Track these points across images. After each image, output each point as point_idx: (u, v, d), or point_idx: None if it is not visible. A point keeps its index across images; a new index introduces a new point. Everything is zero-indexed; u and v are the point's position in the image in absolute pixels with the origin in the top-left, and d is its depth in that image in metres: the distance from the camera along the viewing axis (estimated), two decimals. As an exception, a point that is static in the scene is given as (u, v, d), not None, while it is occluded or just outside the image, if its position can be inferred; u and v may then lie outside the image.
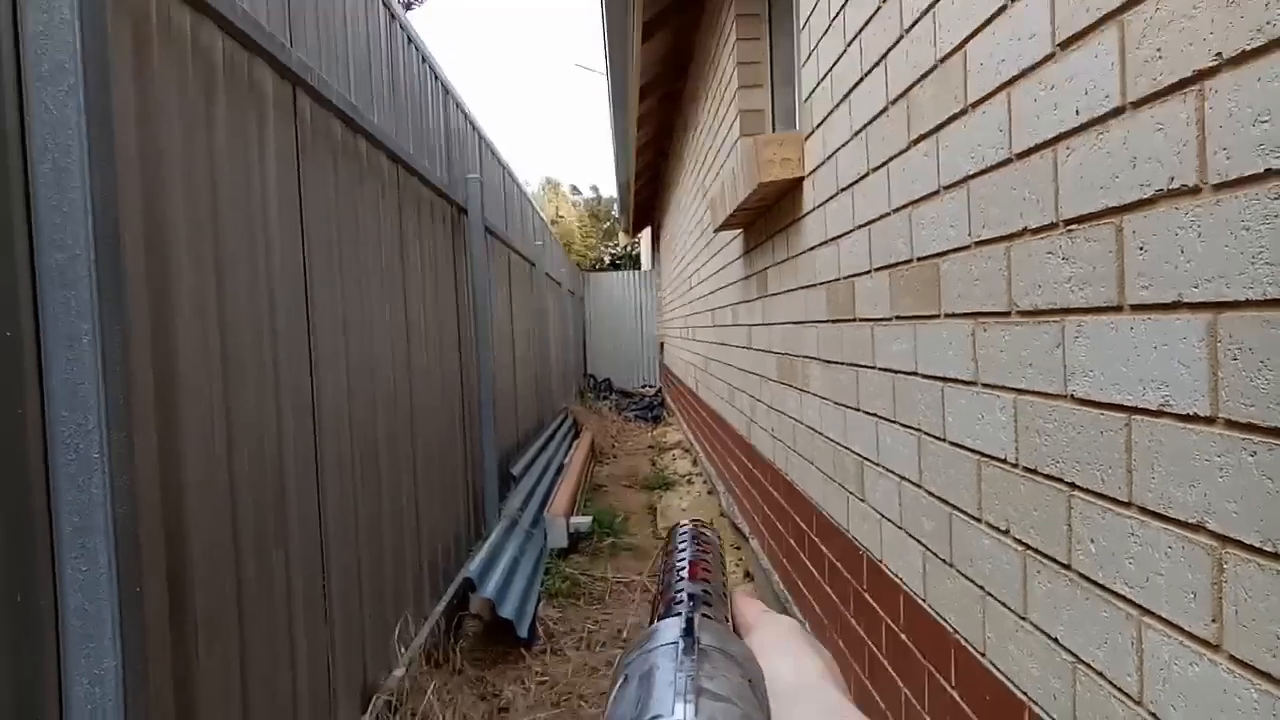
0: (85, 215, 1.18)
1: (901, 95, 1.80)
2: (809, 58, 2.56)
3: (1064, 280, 1.20)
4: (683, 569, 0.48)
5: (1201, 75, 0.91)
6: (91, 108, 1.19)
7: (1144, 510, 1.04)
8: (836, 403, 2.44)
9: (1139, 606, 1.05)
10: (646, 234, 16.86)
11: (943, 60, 1.57)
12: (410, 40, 3.48)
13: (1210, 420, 0.92)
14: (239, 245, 1.85)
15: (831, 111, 2.34)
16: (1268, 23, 0.82)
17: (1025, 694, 1.35)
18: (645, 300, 15.22)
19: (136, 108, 1.48)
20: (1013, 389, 1.36)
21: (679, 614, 0.42)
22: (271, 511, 1.95)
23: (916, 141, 1.73)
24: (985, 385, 1.46)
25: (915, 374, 1.79)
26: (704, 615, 0.40)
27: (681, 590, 0.45)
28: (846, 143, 2.21)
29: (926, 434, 1.74)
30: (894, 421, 1.94)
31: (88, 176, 1.19)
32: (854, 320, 2.22)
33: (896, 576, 1.97)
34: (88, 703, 1.19)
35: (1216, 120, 0.90)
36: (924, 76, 1.67)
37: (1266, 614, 0.84)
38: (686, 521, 0.56)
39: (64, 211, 1.18)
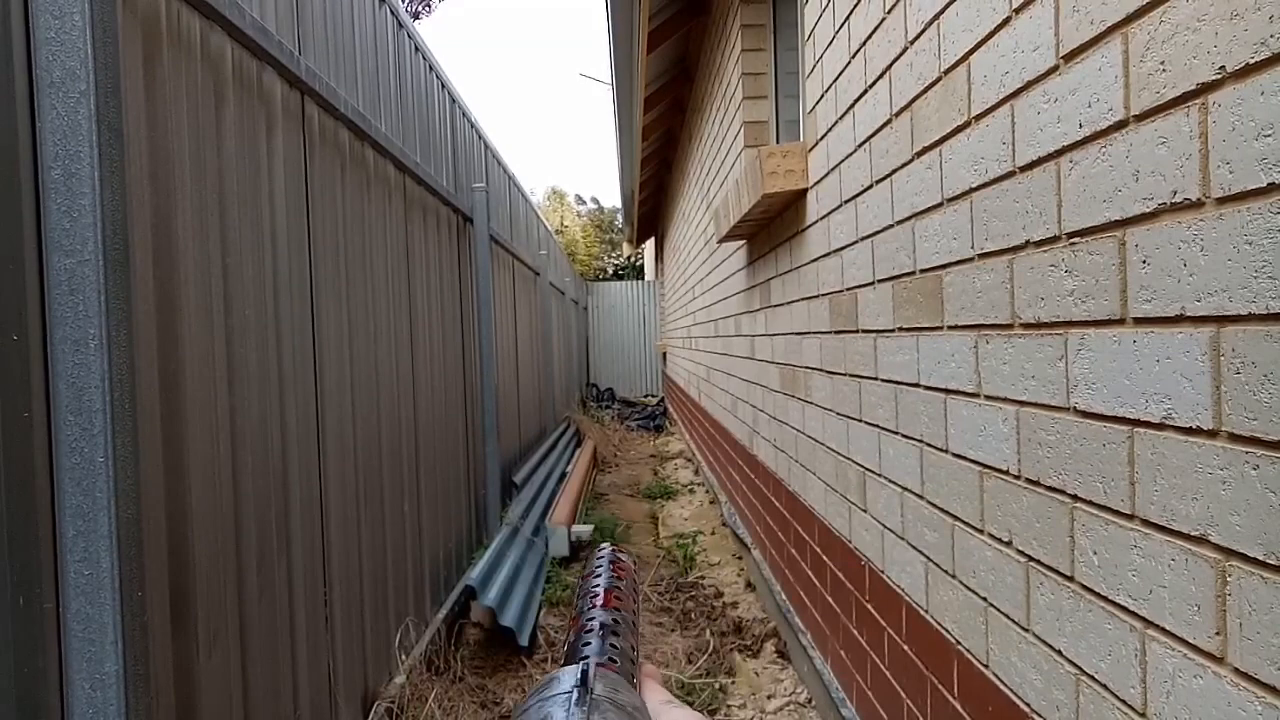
0: (94, 221, 1.19)
1: (905, 107, 1.80)
2: (813, 69, 2.57)
3: (1067, 293, 1.20)
4: (596, 596, 0.50)
5: (1205, 89, 0.92)
6: (102, 114, 1.20)
7: (1147, 523, 1.03)
8: (839, 413, 2.44)
9: (1142, 619, 1.05)
10: (650, 244, 16.90)
11: (946, 72, 1.58)
12: (417, 49, 3.51)
13: (1213, 434, 0.92)
14: (246, 252, 1.86)
15: (835, 123, 2.35)
16: (1271, 36, 0.83)
17: (1028, 705, 1.35)
18: (648, 310, 15.24)
19: (146, 114, 1.50)
20: (1015, 401, 1.36)
21: (586, 649, 0.43)
22: (274, 516, 1.96)
23: (920, 154, 1.73)
24: (988, 397, 1.47)
25: (918, 385, 1.79)
26: (601, 664, 0.41)
27: (593, 619, 0.47)
28: (850, 154, 2.22)
29: (929, 445, 1.74)
30: (896, 433, 1.94)
31: (97, 183, 1.20)
32: (857, 331, 2.22)
33: (898, 587, 1.96)
34: (89, 706, 1.19)
35: (1219, 134, 0.90)
36: (928, 89, 1.68)
37: (1270, 627, 0.84)
38: (606, 546, 0.57)
39: (73, 217, 1.19)
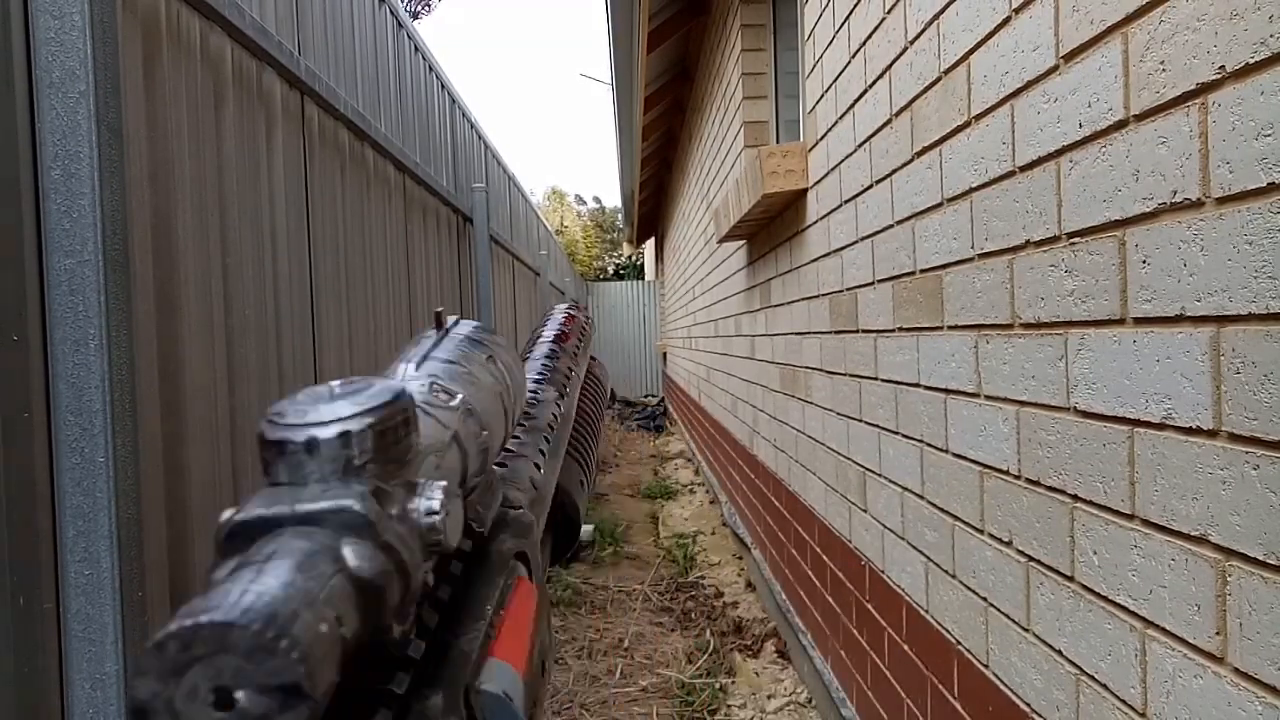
0: (94, 221, 1.19)
1: (905, 107, 1.80)
2: (813, 69, 2.57)
3: (1067, 293, 1.20)
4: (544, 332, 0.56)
5: (1205, 88, 0.92)
6: (102, 114, 1.20)
7: (1147, 523, 1.03)
8: (839, 413, 2.44)
9: (1142, 619, 1.05)
10: (650, 244, 16.90)
11: (946, 72, 1.58)
12: (417, 49, 3.51)
13: (1213, 434, 0.92)
14: (246, 252, 1.86)
15: (835, 123, 2.35)
16: (1271, 36, 0.83)
17: (1028, 705, 1.35)
18: (648, 310, 15.24)
19: (146, 114, 1.50)
20: (1015, 401, 1.36)
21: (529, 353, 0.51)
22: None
23: (920, 154, 1.73)
24: (988, 397, 1.46)
25: (918, 385, 1.79)
26: (477, 323, 0.44)
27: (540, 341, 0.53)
28: (850, 154, 2.22)
29: (929, 445, 1.74)
30: (896, 433, 1.94)
31: (97, 183, 1.20)
32: (857, 331, 2.22)
33: (899, 587, 1.96)
34: (89, 706, 1.19)
35: (1219, 133, 0.90)
36: (928, 88, 1.67)
37: (1270, 627, 0.84)
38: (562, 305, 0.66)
39: (73, 217, 1.19)
